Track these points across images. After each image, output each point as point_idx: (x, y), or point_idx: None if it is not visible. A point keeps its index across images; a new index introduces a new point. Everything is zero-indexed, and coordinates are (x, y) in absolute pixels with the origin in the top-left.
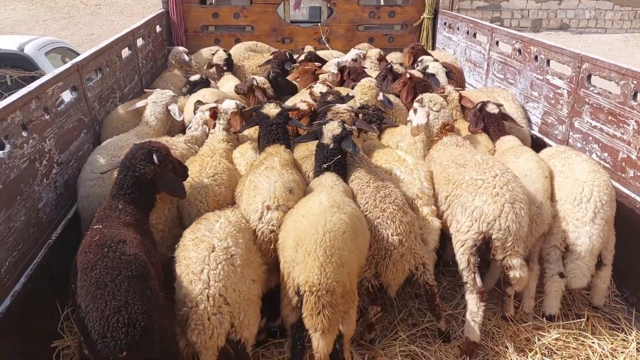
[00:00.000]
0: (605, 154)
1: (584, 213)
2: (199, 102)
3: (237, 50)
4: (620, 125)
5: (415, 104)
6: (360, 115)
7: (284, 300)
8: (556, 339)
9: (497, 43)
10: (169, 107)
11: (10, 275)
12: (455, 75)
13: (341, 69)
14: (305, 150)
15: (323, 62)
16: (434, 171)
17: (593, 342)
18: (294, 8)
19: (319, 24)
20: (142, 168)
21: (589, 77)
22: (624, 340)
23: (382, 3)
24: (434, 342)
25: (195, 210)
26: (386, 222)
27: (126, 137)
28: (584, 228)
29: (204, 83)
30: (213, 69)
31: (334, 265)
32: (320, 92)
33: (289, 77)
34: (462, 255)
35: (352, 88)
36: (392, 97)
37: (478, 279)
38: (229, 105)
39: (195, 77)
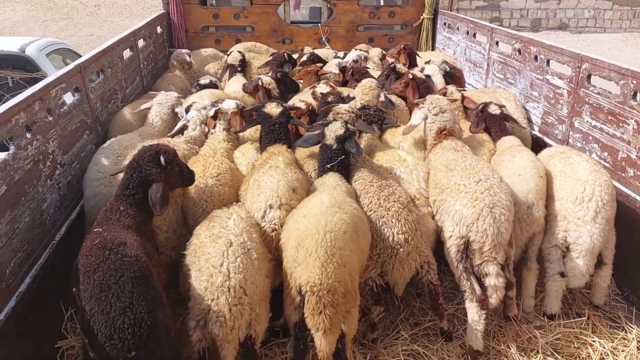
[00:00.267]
0: (605, 154)
1: (585, 212)
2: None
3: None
4: (620, 125)
5: (418, 106)
6: (361, 117)
7: (287, 299)
8: (557, 338)
9: (497, 43)
10: (176, 110)
11: (15, 276)
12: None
13: (342, 69)
14: (306, 151)
15: (324, 62)
16: (430, 176)
17: (594, 341)
18: (294, 9)
19: (319, 25)
20: (148, 169)
21: (589, 77)
22: (625, 338)
23: (382, 3)
24: (436, 341)
25: (200, 210)
26: (391, 221)
27: (130, 137)
28: (585, 227)
29: (214, 86)
30: (211, 69)
31: (335, 265)
32: (320, 93)
33: (294, 78)
34: (452, 264)
35: (354, 88)
36: (393, 98)
37: (476, 286)
38: (229, 105)
39: (205, 80)
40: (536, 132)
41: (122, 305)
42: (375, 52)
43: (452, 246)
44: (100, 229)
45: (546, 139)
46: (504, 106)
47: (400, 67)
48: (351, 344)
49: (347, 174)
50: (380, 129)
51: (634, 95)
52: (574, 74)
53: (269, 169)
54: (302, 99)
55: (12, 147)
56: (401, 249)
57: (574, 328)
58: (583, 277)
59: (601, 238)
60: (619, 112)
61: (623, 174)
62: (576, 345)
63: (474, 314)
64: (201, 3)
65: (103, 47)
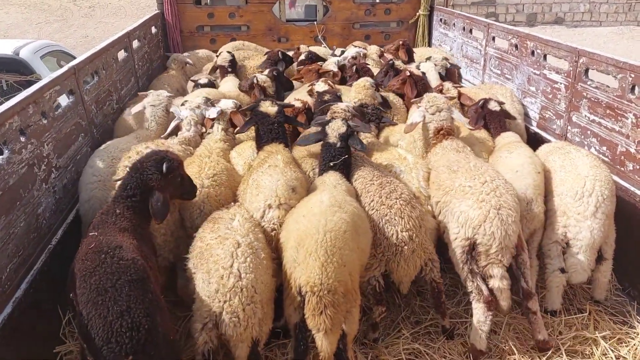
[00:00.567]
0: (604, 148)
1: (586, 207)
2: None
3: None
4: (619, 118)
5: (415, 105)
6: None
7: (287, 300)
8: (560, 333)
9: (493, 39)
10: (171, 109)
11: (12, 281)
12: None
13: (341, 67)
14: (304, 150)
15: (323, 60)
16: (430, 177)
17: (596, 337)
18: (289, 7)
19: (315, 23)
20: (149, 174)
21: (587, 71)
22: (627, 333)
23: (377, 0)
24: (437, 339)
25: (198, 212)
26: (394, 218)
27: (126, 140)
28: (585, 222)
29: (212, 84)
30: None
31: (335, 265)
32: (317, 92)
33: (294, 78)
34: (457, 265)
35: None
36: (391, 96)
37: (483, 287)
38: (227, 104)
39: (203, 80)
40: (534, 128)
41: (119, 308)
42: (373, 49)
43: (457, 248)
44: (96, 233)
45: (544, 134)
46: (503, 103)
47: (399, 64)
48: (352, 344)
49: (347, 172)
50: (378, 127)
51: (632, 88)
52: (571, 69)
53: (268, 168)
54: (297, 98)
55: (6, 151)
56: (406, 247)
57: (575, 324)
58: (584, 273)
59: (601, 233)
60: (617, 106)
61: (622, 168)
62: (579, 342)
63: (480, 315)
64: (195, 2)
65: (97, 49)
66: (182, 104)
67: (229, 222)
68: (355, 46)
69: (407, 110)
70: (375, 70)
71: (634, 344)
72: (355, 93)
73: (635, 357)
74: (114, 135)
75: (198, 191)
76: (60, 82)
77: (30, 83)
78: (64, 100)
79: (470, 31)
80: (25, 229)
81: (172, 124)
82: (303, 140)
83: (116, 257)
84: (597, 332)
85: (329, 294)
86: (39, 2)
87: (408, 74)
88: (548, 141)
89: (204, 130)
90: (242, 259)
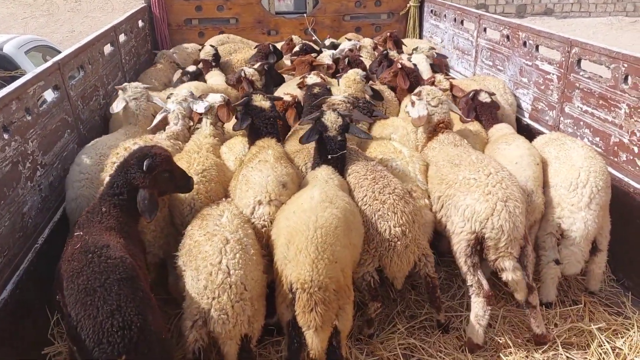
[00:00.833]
0: (597, 139)
1: (580, 198)
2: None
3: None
4: (612, 109)
5: (414, 97)
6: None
7: (279, 297)
8: (555, 325)
9: (484, 30)
10: (154, 100)
11: None
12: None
13: (336, 60)
14: (297, 145)
15: (317, 52)
16: (429, 172)
17: (591, 328)
18: None
19: (305, 15)
20: (133, 172)
21: (579, 61)
22: (622, 324)
23: None
24: (432, 333)
25: (188, 209)
26: (387, 214)
27: (115, 137)
28: (579, 214)
29: (200, 74)
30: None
31: (327, 261)
32: (307, 85)
33: (286, 69)
34: (460, 259)
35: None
36: (384, 88)
37: (484, 281)
38: (215, 98)
39: (192, 68)
40: (526, 119)
41: (109, 308)
42: (368, 42)
43: (461, 241)
44: (82, 233)
45: (537, 125)
46: (494, 94)
47: (393, 55)
48: (347, 340)
49: (342, 167)
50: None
51: (625, 78)
52: (563, 59)
53: (258, 163)
54: (287, 92)
55: None
56: (399, 242)
57: (570, 315)
58: (578, 264)
59: (595, 225)
60: (610, 96)
61: (615, 159)
62: (575, 333)
63: (479, 309)
64: None
65: (82, 43)
66: (168, 97)
67: (217, 218)
68: (349, 39)
69: (400, 103)
70: (369, 63)
71: (629, 335)
72: (345, 86)
73: (630, 349)
74: (109, 132)
75: None
76: (44, 78)
77: (14, 79)
78: (50, 95)
79: (462, 22)
80: (10, 228)
81: (159, 117)
82: (306, 138)
83: (104, 257)
84: (592, 324)
85: (320, 291)
86: None
87: (399, 66)
88: (541, 132)
89: (191, 124)
90: (230, 255)
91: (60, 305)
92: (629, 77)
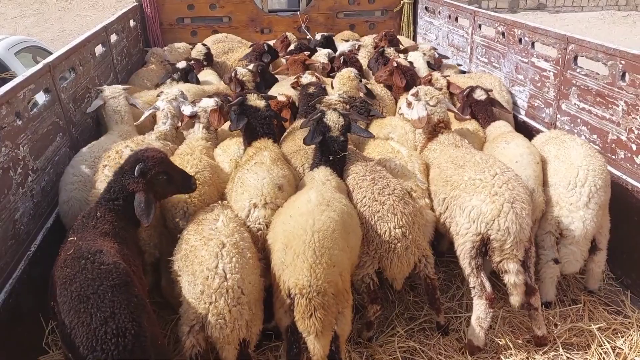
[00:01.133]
0: (595, 136)
1: (578, 197)
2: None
3: (211, 45)
4: (609, 106)
5: (411, 97)
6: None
7: (277, 303)
8: (555, 325)
9: (479, 26)
10: (132, 102)
11: None
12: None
13: (332, 59)
14: (294, 146)
15: (312, 51)
16: (431, 173)
17: (591, 328)
18: None
19: (298, 13)
20: (127, 178)
21: (575, 58)
22: (622, 323)
23: None
24: (432, 335)
25: (181, 212)
26: (387, 215)
27: (110, 139)
28: (578, 213)
29: (191, 68)
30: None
31: (325, 266)
32: (301, 84)
33: (281, 68)
34: (464, 260)
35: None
36: (379, 87)
37: (487, 284)
38: (207, 103)
39: (182, 64)
40: (523, 116)
41: (102, 315)
42: (369, 41)
43: (466, 243)
44: (75, 238)
45: (533, 123)
46: (490, 90)
47: (389, 52)
48: (345, 344)
49: (341, 168)
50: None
51: (623, 75)
52: (560, 56)
53: (254, 165)
54: (281, 92)
55: None
56: (399, 244)
57: (570, 315)
58: (577, 263)
59: (594, 224)
60: (607, 93)
61: (613, 156)
62: (575, 333)
63: (480, 312)
64: None
65: (73, 44)
66: (158, 95)
67: (212, 222)
68: (345, 40)
69: (396, 102)
70: (365, 62)
71: (629, 335)
72: (340, 84)
73: (631, 348)
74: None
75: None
76: (34, 81)
77: (4, 81)
78: (41, 98)
79: (456, 19)
80: (2, 235)
81: (147, 113)
82: (309, 140)
83: (97, 263)
84: (592, 324)
85: (319, 295)
86: None
87: (395, 64)
88: (537, 130)
89: (179, 124)
90: (227, 259)
91: (55, 312)
92: (627, 74)
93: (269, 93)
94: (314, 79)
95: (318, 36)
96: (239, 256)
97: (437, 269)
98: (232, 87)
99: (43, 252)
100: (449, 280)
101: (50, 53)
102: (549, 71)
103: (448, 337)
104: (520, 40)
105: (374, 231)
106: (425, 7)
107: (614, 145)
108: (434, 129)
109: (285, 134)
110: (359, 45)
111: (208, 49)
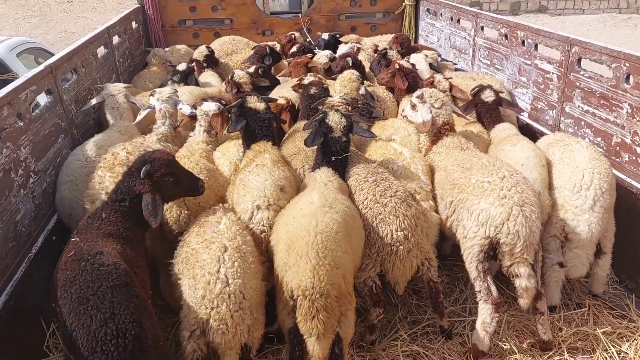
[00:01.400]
0: (599, 139)
1: (584, 201)
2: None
3: (217, 47)
4: (613, 109)
5: (415, 100)
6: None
7: (280, 304)
8: (560, 330)
9: (482, 28)
10: (132, 100)
11: None
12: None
13: (332, 59)
14: (293, 148)
15: (314, 54)
16: (437, 177)
17: (596, 332)
18: None
19: (300, 15)
20: (134, 179)
21: (579, 60)
22: (627, 328)
23: None
24: (435, 339)
25: (177, 214)
26: (389, 217)
27: (109, 136)
28: (583, 216)
29: (191, 70)
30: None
31: (327, 267)
32: (303, 84)
33: (284, 72)
34: (471, 264)
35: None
36: (381, 89)
37: (493, 288)
38: (209, 107)
39: (182, 66)
40: (526, 119)
41: (102, 316)
42: (369, 44)
43: (474, 246)
44: (77, 239)
45: (536, 125)
46: (501, 92)
47: (392, 54)
48: (349, 347)
49: (344, 169)
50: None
51: (627, 78)
52: (563, 58)
53: (255, 167)
54: (281, 95)
55: None
56: (401, 247)
57: (575, 319)
58: (583, 267)
59: (599, 227)
60: (611, 95)
61: (618, 159)
62: (580, 337)
63: (486, 316)
64: None
65: (75, 46)
66: (151, 94)
67: (215, 225)
68: (345, 42)
69: (398, 104)
70: (365, 65)
71: (635, 339)
72: (341, 86)
73: (636, 353)
74: None
75: None
76: (36, 82)
77: (5, 83)
78: (43, 99)
79: (458, 21)
80: (3, 237)
81: (143, 113)
82: (311, 141)
83: (96, 264)
84: (597, 328)
85: (322, 297)
86: None
87: (397, 66)
88: (540, 132)
89: (177, 124)
90: (229, 263)
91: (55, 314)
92: (631, 77)
93: (270, 95)
94: (315, 79)
95: (325, 35)
96: (241, 260)
97: (440, 273)
98: (227, 89)
99: (44, 254)
100: (452, 284)
101: (52, 54)
102: (553, 73)
103: (452, 341)
104: (523, 43)
105: (375, 233)
106: (427, 9)
107: (618, 148)
108: (438, 131)
109: (285, 136)
110: (358, 48)
111: (210, 50)
